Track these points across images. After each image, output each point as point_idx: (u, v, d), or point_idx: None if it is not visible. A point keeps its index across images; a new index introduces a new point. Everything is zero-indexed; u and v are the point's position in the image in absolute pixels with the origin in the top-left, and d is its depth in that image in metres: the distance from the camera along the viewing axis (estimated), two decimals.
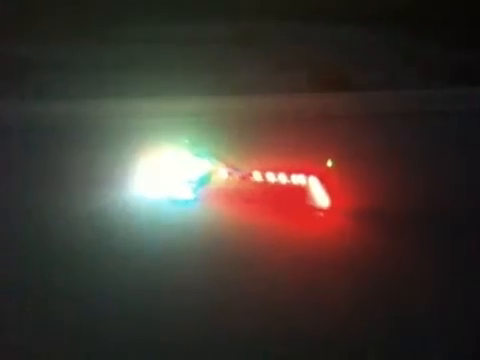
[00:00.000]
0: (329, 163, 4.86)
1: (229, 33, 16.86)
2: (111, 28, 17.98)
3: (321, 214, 4.84)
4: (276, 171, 4.90)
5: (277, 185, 4.90)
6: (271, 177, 4.91)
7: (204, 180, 5.01)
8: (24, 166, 5.59)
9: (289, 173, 4.88)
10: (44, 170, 5.50)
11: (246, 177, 4.98)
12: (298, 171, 4.89)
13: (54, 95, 7.92)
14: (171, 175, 4.96)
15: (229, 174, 5.01)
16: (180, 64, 11.69)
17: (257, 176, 4.93)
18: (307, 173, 4.87)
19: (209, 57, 12.46)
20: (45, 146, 6.08)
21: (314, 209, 4.86)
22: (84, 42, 14.51)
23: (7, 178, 5.34)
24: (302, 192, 4.88)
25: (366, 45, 16.87)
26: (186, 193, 4.97)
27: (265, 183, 4.92)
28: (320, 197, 4.87)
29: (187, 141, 5.08)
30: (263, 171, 4.92)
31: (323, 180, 4.86)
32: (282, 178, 4.89)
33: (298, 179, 4.88)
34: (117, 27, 18.29)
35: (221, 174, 5.02)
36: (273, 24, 19.43)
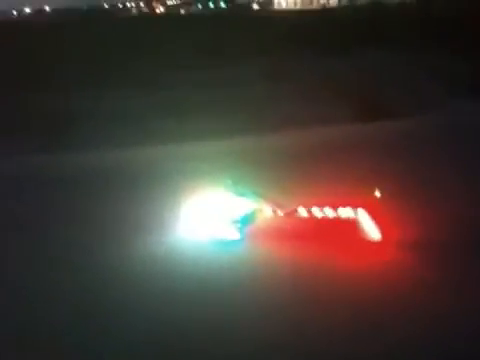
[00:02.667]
0: (377, 194, 4.70)
1: (264, 71, 17.22)
2: (153, 74, 18.75)
3: (373, 247, 4.64)
4: (322, 206, 4.77)
5: (324, 220, 4.76)
6: (317, 212, 4.77)
7: (248, 219, 4.93)
8: (72, 214, 5.69)
9: (335, 207, 4.74)
10: (91, 217, 5.57)
11: (291, 214, 4.86)
12: (345, 204, 4.74)
13: (99, 144, 8.17)
14: (215, 216, 4.91)
15: (273, 212, 4.91)
16: (219, 106, 11.93)
17: (302, 212, 4.81)
18: (355, 206, 4.72)
19: (247, 97, 12.65)
20: (92, 194, 6.19)
21: (365, 243, 4.67)
22: (127, 90, 15.10)
23: (56, 226, 5.44)
24: (351, 226, 4.71)
25: (400, 70, 16.82)
26: (231, 233, 4.89)
27: (311, 219, 4.78)
28: (371, 230, 4.68)
29: (229, 181, 5.05)
30: (308, 206, 4.80)
31: (372, 212, 4.68)
32: (328, 212, 4.74)
33: (346, 212, 4.72)
34: (158, 73, 19.06)
35: (265, 212, 4.92)
36: (305, 59, 19.78)
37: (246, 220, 4.92)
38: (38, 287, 4.32)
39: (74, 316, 3.89)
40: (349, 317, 3.75)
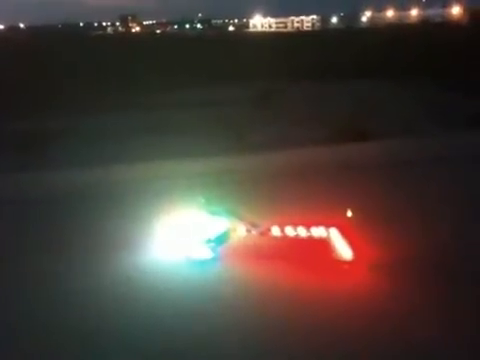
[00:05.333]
0: (349, 214, 4.76)
1: (246, 95, 17.49)
2: (128, 93, 18.87)
3: (345, 267, 4.69)
4: (295, 225, 4.81)
5: (297, 239, 4.79)
6: (290, 231, 4.80)
7: (222, 239, 4.92)
8: (44, 235, 5.59)
9: (309, 226, 4.78)
10: (63, 238, 5.48)
11: (265, 233, 4.88)
12: (318, 224, 4.79)
13: (71, 163, 8.12)
14: (189, 235, 4.89)
15: (247, 231, 4.92)
16: (197, 125, 12.06)
17: (276, 231, 4.83)
18: (327, 225, 4.77)
19: (226, 118, 12.80)
20: (63, 214, 6.10)
21: (337, 262, 4.72)
22: (102, 109, 15.13)
23: (26, 246, 5.32)
24: (324, 245, 4.76)
25: (381, 96, 17.36)
26: (205, 253, 4.88)
27: (285, 238, 4.81)
28: (343, 249, 4.73)
29: (203, 200, 5.04)
30: (282, 226, 4.83)
31: (345, 232, 4.74)
32: (302, 232, 4.78)
33: (319, 232, 4.76)
34: (133, 92, 19.20)
35: (239, 231, 4.93)
36: (287, 84, 20.18)
37: (220, 240, 4.91)
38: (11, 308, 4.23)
39: (49, 340, 3.82)
40: (320, 336, 3.77)
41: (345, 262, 4.70)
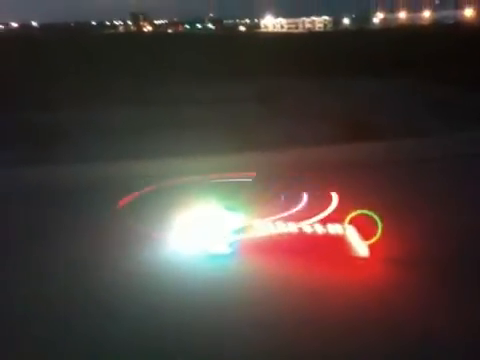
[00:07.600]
0: (365, 212, 4.81)
1: (252, 92, 17.49)
2: (140, 91, 18.96)
3: (360, 263, 4.73)
4: (312, 221, 4.86)
5: (314, 235, 4.84)
6: (307, 227, 4.86)
7: (239, 233, 4.99)
8: (67, 228, 5.69)
9: (325, 223, 4.84)
10: (84, 230, 5.57)
11: (281, 229, 4.93)
12: (334, 221, 4.84)
13: (89, 158, 8.20)
14: (206, 230, 4.96)
15: (263, 226, 4.98)
16: (209, 123, 12.10)
17: (292, 227, 4.89)
18: (344, 222, 4.82)
19: (237, 116, 12.83)
20: (84, 207, 6.16)
21: (353, 258, 4.77)
22: (117, 105, 15.21)
23: (49, 237, 5.44)
24: (340, 242, 4.81)
25: (385, 94, 17.32)
26: (222, 247, 4.95)
27: (301, 234, 4.86)
28: (358, 246, 4.78)
29: (221, 196, 5.11)
30: (298, 222, 4.88)
31: (360, 229, 4.79)
32: (318, 228, 4.83)
33: (335, 229, 4.82)
34: (145, 90, 19.31)
35: (256, 226, 4.99)
36: (292, 82, 20.22)
37: (236, 234, 4.97)
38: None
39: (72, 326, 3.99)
40: (335, 330, 3.85)
41: (361, 259, 4.75)
